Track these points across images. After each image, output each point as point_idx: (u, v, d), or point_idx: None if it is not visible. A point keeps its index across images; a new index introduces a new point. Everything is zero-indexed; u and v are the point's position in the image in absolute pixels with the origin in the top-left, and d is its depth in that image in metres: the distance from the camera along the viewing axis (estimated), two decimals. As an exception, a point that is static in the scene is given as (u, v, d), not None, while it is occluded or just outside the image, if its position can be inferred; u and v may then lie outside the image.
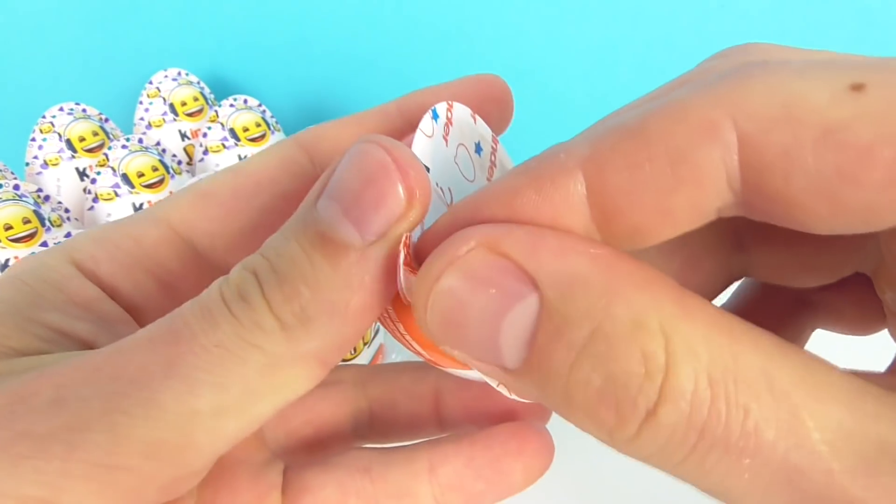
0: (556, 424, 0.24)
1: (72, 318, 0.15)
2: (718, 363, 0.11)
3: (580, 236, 0.12)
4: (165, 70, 0.56)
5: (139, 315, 0.17)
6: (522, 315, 0.12)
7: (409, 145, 0.15)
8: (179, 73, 0.56)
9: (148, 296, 0.17)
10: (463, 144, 0.17)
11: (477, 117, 0.17)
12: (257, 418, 0.14)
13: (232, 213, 0.18)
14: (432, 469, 0.18)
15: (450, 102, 0.16)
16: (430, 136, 0.15)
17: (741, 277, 0.18)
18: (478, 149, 0.17)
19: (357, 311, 0.13)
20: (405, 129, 0.19)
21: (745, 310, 0.19)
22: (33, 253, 0.41)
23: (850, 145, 0.10)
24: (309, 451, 0.20)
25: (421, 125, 0.15)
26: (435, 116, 0.16)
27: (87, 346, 0.16)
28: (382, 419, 0.20)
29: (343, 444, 0.20)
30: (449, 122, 0.16)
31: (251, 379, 0.13)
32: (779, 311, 0.18)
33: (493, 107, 0.19)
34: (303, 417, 0.20)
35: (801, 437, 0.10)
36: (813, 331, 0.18)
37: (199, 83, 0.57)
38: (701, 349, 0.11)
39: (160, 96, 0.55)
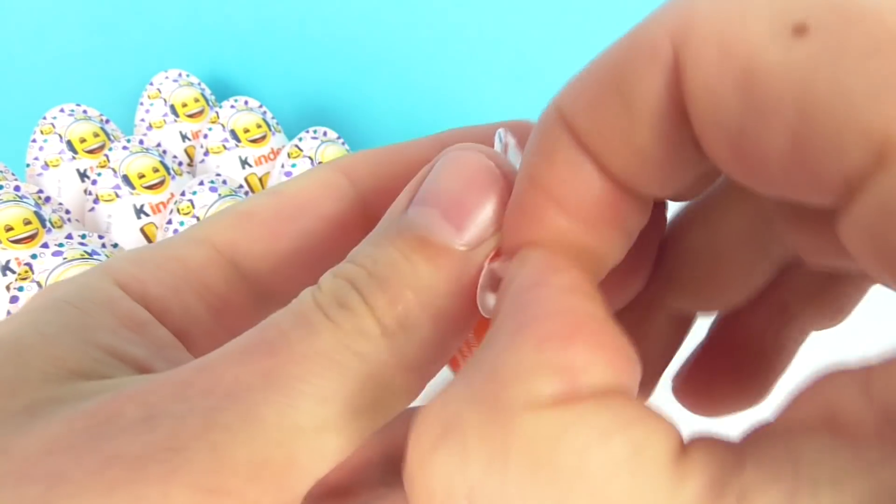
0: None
1: (125, 342, 0.14)
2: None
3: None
4: (166, 71, 0.56)
5: (188, 341, 0.17)
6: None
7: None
8: (180, 75, 0.57)
9: (198, 320, 0.17)
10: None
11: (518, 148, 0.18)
12: (359, 435, 0.13)
13: (275, 234, 0.17)
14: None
15: (503, 128, 0.17)
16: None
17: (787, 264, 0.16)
18: None
19: (461, 318, 0.13)
20: None
21: (725, 338, 0.18)
22: (34, 256, 0.41)
23: (760, 97, 0.09)
24: (335, 498, 0.19)
25: (496, 142, 0.16)
26: (499, 139, 0.16)
27: (144, 370, 0.15)
28: None
29: (370, 491, 0.19)
30: (505, 147, 0.17)
31: (353, 390, 0.12)
32: (762, 328, 0.17)
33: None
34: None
35: None
36: (804, 339, 0.17)
37: (199, 84, 0.57)
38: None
39: (161, 97, 0.55)
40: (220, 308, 0.17)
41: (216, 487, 0.11)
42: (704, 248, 0.16)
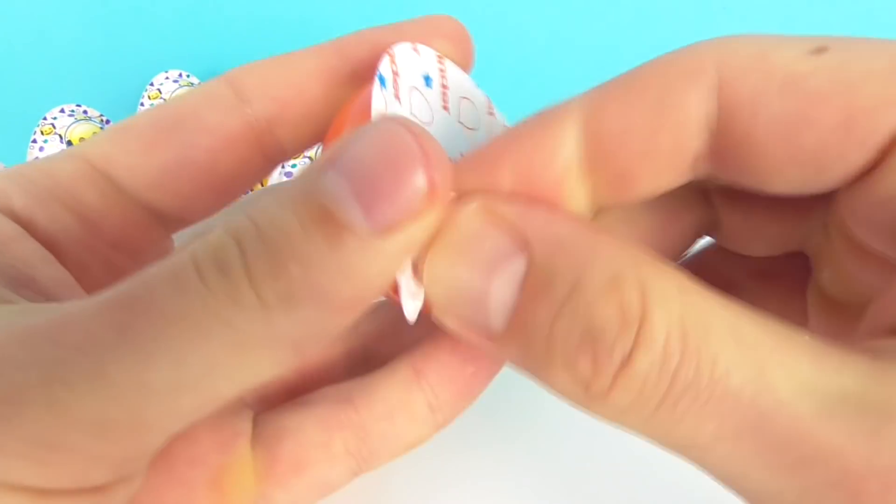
0: (552, 428, 0.24)
1: None
2: (691, 314, 0.11)
3: (568, 211, 0.13)
4: (166, 72, 0.56)
5: (59, 251, 0.16)
6: (512, 273, 0.12)
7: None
8: (180, 75, 0.57)
9: (68, 230, 0.16)
10: (415, 87, 0.16)
11: (418, 47, 0.16)
12: (216, 397, 0.12)
13: (153, 146, 0.16)
14: (418, 373, 0.16)
15: (390, 52, 0.15)
16: (383, 109, 0.15)
17: (703, 237, 0.18)
18: (427, 82, 0.16)
19: (347, 303, 0.12)
20: (342, 71, 0.17)
21: None
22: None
23: (809, 91, 0.12)
24: (291, 398, 0.18)
25: (373, 104, 0.14)
26: (382, 82, 0.15)
27: (4, 296, 0.14)
28: (380, 353, 0.18)
29: (325, 384, 0.18)
30: (395, 74, 0.15)
31: (215, 357, 0.11)
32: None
33: (450, 49, 0.18)
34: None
35: (767, 385, 0.11)
36: None
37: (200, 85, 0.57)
38: (675, 301, 0.11)
39: (161, 97, 0.55)
40: (93, 220, 0.16)
41: (55, 442, 0.11)
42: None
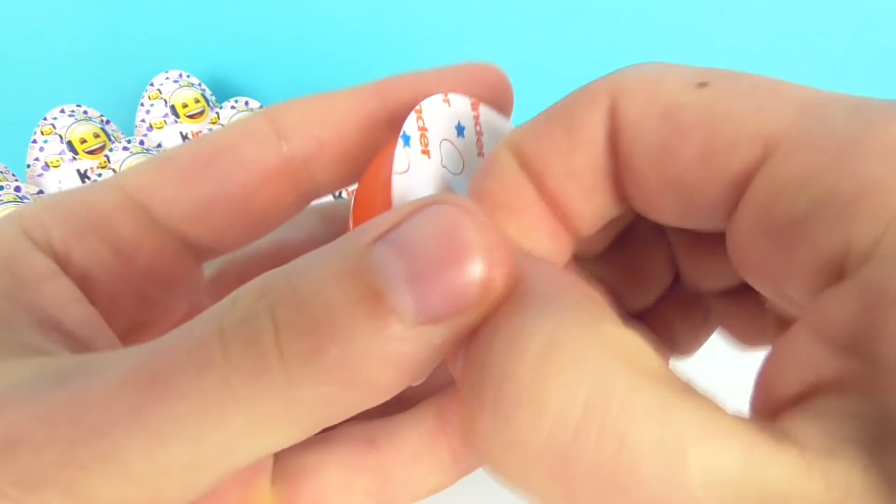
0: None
1: (18, 310, 0.14)
2: (605, 384, 0.10)
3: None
4: (167, 72, 0.56)
5: (91, 284, 0.16)
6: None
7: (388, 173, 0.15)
8: (181, 75, 0.57)
9: (103, 263, 0.16)
10: (446, 139, 0.16)
11: (451, 97, 0.16)
12: (233, 470, 0.12)
13: (191, 179, 0.16)
14: (443, 420, 0.16)
15: (417, 109, 0.15)
16: (404, 172, 0.15)
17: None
18: (459, 131, 0.17)
19: (379, 388, 0.11)
20: (381, 115, 0.18)
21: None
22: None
23: (678, 124, 0.12)
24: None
25: (395, 164, 0.14)
26: (406, 141, 0.15)
27: (33, 343, 0.14)
28: (405, 393, 0.18)
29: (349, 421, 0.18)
30: (423, 130, 0.16)
31: (233, 435, 0.11)
32: (682, 308, 0.19)
33: (489, 97, 0.18)
34: None
35: (680, 475, 0.09)
36: (710, 334, 0.19)
37: (200, 85, 0.57)
38: (589, 365, 0.10)
39: (161, 98, 0.55)
40: (129, 251, 0.16)
41: None
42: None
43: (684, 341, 0.19)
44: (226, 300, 0.12)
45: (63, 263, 0.15)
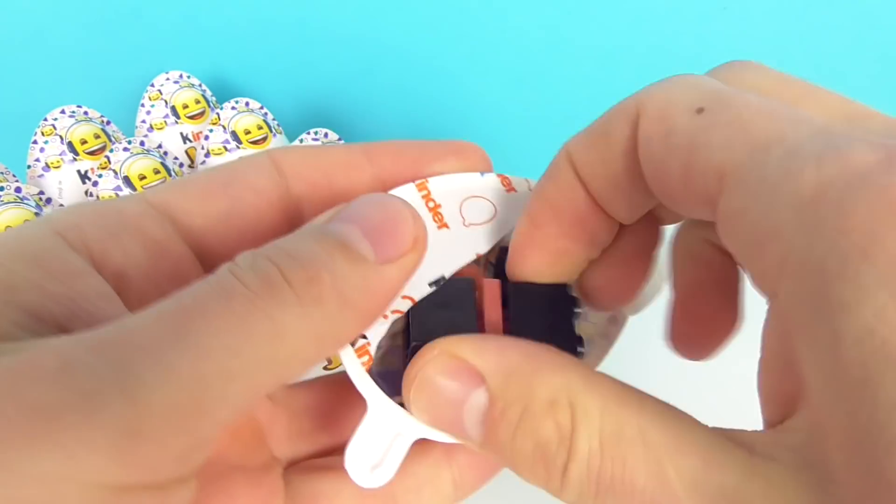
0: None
1: (49, 299, 0.15)
2: (607, 426, 0.14)
3: (513, 339, 0.16)
4: (167, 73, 0.56)
5: (126, 283, 0.17)
6: (477, 402, 0.15)
7: None
8: (181, 76, 0.57)
9: (137, 262, 0.17)
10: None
11: (412, 186, 0.20)
12: (261, 386, 0.14)
13: (209, 197, 0.19)
14: (449, 454, 0.19)
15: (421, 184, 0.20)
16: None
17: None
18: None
19: (362, 312, 0.16)
20: (366, 169, 0.21)
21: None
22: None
23: (672, 146, 0.15)
24: (321, 457, 0.20)
25: None
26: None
27: (64, 330, 0.15)
28: None
29: None
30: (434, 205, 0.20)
31: (259, 347, 0.14)
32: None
33: (466, 169, 0.21)
34: (315, 421, 0.20)
35: (664, 481, 0.13)
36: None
37: (200, 86, 0.57)
38: (595, 416, 0.14)
39: (162, 99, 0.55)
40: (157, 253, 0.18)
41: (132, 430, 0.12)
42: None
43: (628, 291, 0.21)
44: (222, 267, 0.15)
45: (98, 263, 0.16)
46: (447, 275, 0.19)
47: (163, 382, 0.12)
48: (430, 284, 0.19)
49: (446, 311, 0.18)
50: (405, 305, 0.19)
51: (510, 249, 0.19)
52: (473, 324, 0.18)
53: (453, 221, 0.20)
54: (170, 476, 0.13)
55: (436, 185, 0.20)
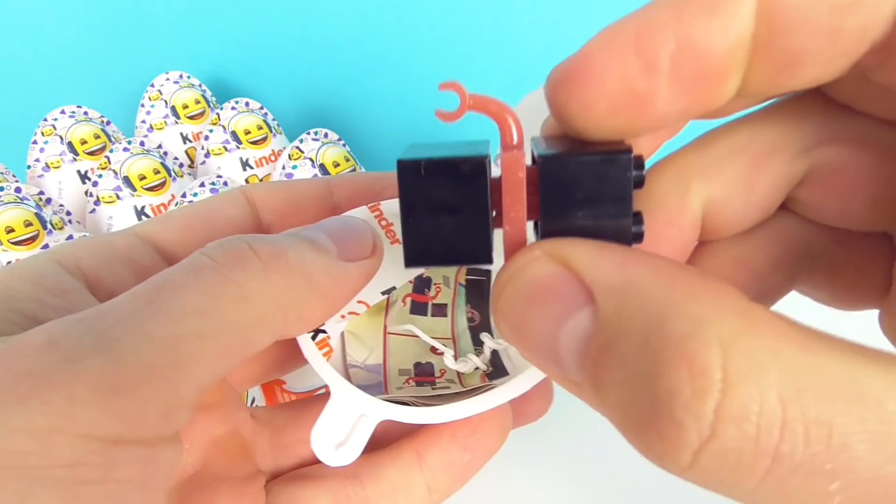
0: (553, 416, 0.24)
1: (45, 308, 0.16)
2: (792, 378, 0.09)
3: (645, 252, 0.12)
4: (167, 73, 0.56)
5: None
6: (578, 327, 0.11)
7: None
8: (181, 76, 0.57)
9: (127, 286, 0.18)
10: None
11: (364, 209, 0.21)
12: (232, 350, 0.15)
13: (188, 228, 0.20)
14: (420, 457, 0.19)
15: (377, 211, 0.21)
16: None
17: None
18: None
19: (328, 296, 0.17)
20: (328, 199, 0.22)
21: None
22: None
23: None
24: (301, 467, 0.21)
25: None
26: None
27: None
28: (385, 433, 0.21)
29: None
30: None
31: (225, 309, 0.15)
32: (775, 256, 0.18)
33: None
34: (296, 435, 0.21)
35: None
36: (792, 289, 0.18)
37: (200, 86, 0.57)
38: (769, 364, 0.10)
39: (162, 99, 0.55)
40: (145, 278, 0.18)
41: (115, 385, 0.13)
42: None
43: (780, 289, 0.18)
44: (195, 252, 0.16)
45: (92, 286, 0.18)
46: (398, 285, 0.21)
47: (139, 343, 0.14)
48: (383, 293, 0.21)
49: (445, 213, 0.14)
50: (360, 309, 0.21)
51: (555, 77, 0.14)
52: (486, 224, 0.14)
53: None
54: (155, 432, 0.14)
55: (387, 206, 0.21)
